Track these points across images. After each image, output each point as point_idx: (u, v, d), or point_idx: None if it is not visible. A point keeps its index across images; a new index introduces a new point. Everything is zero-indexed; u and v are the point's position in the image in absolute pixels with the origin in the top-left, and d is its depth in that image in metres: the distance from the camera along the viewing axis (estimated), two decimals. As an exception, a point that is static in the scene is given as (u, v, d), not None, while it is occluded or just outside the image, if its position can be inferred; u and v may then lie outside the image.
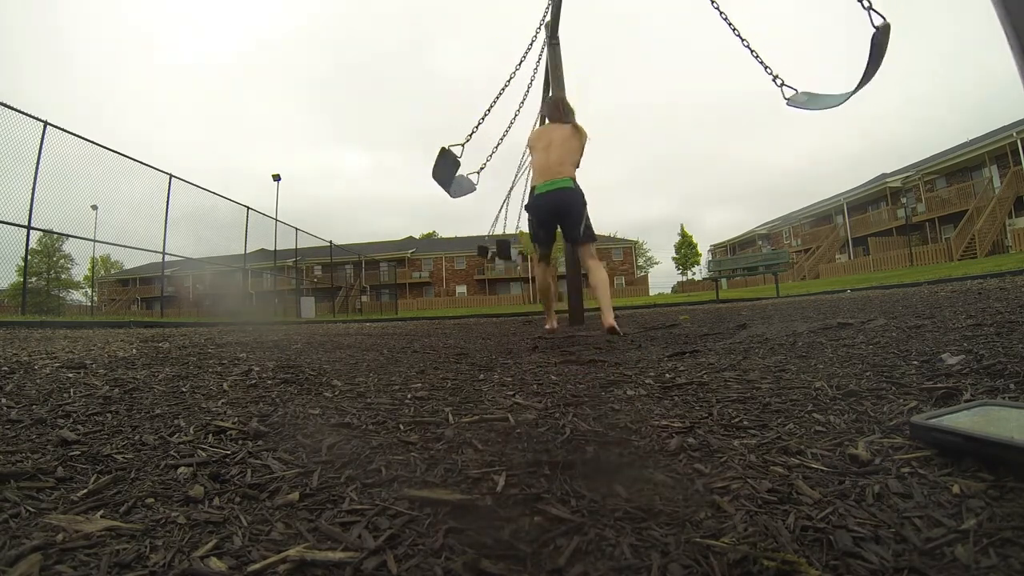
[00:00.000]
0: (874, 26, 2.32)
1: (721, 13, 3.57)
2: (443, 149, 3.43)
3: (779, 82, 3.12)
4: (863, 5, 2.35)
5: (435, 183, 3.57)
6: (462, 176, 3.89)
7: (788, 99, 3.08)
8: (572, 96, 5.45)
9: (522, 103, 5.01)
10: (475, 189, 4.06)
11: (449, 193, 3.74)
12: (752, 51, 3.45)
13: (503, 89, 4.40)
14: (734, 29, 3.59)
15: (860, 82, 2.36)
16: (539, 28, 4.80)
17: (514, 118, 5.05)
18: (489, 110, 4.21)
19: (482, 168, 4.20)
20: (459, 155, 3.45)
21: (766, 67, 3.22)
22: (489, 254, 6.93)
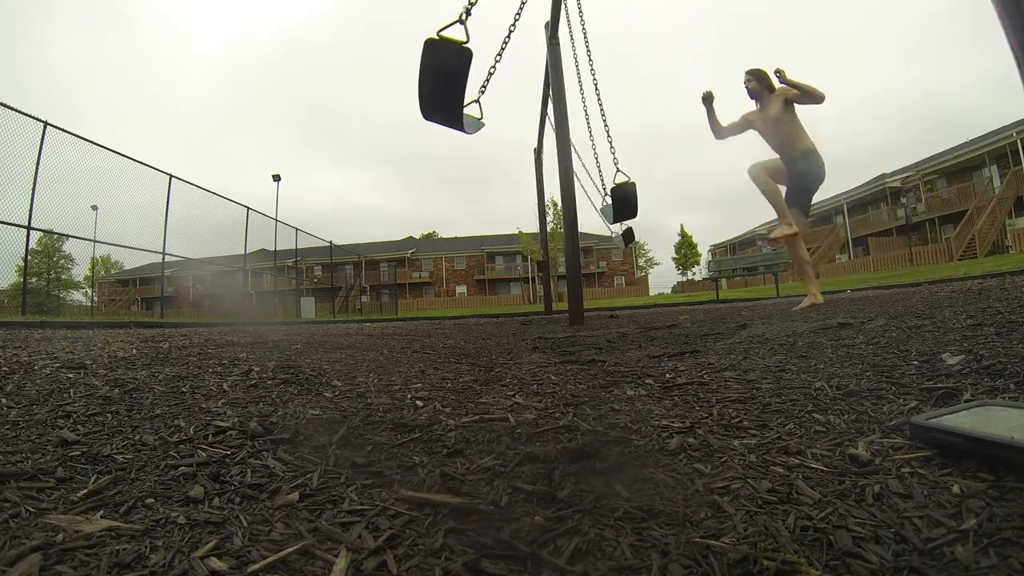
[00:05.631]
0: (615, 182, 3.20)
1: (596, 86, 4.72)
2: (429, 41, 2.03)
3: (617, 167, 3.80)
4: (616, 167, 3.51)
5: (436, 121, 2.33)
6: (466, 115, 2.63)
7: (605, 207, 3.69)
8: (570, 94, 5.46)
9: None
10: (483, 124, 2.86)
11: (463, 129, 2.51)
12: (608, 136, 4.49)
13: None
14: (600, 105, 4.59)
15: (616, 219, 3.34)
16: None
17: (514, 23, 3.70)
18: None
19: (482, 91, 2.87)
20: (466, 40, 2.11)
21: (612, 149, 3.93)
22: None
